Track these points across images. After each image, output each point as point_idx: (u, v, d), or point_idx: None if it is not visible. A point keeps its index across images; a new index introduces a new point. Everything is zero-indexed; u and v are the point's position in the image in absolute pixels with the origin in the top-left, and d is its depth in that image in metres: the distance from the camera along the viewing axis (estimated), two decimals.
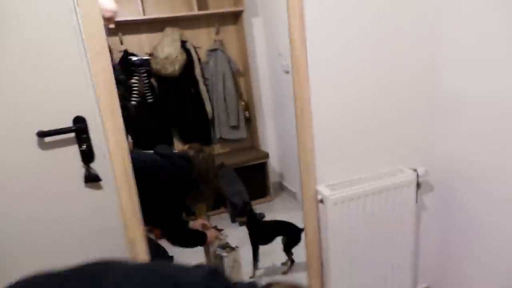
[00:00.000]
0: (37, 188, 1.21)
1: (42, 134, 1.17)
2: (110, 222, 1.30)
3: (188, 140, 3.19)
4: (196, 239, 1.88)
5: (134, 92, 2.88)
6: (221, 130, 3.31)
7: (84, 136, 1.22)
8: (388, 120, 1.58)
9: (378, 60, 1.50)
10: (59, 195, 1.24)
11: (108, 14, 2.13)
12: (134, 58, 2.89)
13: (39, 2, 1.08)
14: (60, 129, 1.19)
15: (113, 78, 1.16)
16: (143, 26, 3.02)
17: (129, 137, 2.24)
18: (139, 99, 2.90)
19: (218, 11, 3.08)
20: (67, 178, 1.23)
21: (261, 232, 2.24)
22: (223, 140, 3.39)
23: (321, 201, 1.46)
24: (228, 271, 1.95)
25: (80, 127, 1.21)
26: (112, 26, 2.19)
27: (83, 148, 1.23)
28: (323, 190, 1.46)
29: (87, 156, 1.24)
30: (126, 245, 1.32)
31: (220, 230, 2.11)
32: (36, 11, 1.08)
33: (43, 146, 1.19)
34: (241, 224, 2.48)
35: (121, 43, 2.95)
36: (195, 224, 2.06)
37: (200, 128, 3.23)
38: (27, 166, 1.18)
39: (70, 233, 1.28)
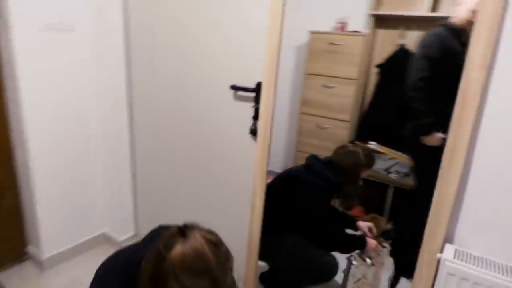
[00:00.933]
0: (224, 126, 1.70)
1: (235, 88, 1.61)
2: (250, 171, 1.63)
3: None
4: (351, 244, 1.86)
5: None
6: None
7: (258, 98, 1.56)
8: None
9: None
10: (233, 136, 1.68)
11: None
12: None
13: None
14: (247, 87, 1.58)
15: (278, 58, 1.39)
16: (427, 23, 2.84)
17: None
18: None
19: None
20: (241, 127, 1.64)
21: (406, 261, 1.88)
22: None
23: (438, 262, 1.16)
24: (350, 281, 1.86)
25: (258, 90, 1.55)
26: None
27: (255, 107, 1.57)
28: (447, 250, 1.15)
29: (256, 114, 1.58)
30: (251, 198, 1.62)
31: (382, 246, 1.97)
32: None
33: (234, 97, 1.63)
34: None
35: (401, 37, 2.86)
36: (362, 224, 2.02)
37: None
38: (222, 109, 1.69)
39: (224, 166, 1.74)
